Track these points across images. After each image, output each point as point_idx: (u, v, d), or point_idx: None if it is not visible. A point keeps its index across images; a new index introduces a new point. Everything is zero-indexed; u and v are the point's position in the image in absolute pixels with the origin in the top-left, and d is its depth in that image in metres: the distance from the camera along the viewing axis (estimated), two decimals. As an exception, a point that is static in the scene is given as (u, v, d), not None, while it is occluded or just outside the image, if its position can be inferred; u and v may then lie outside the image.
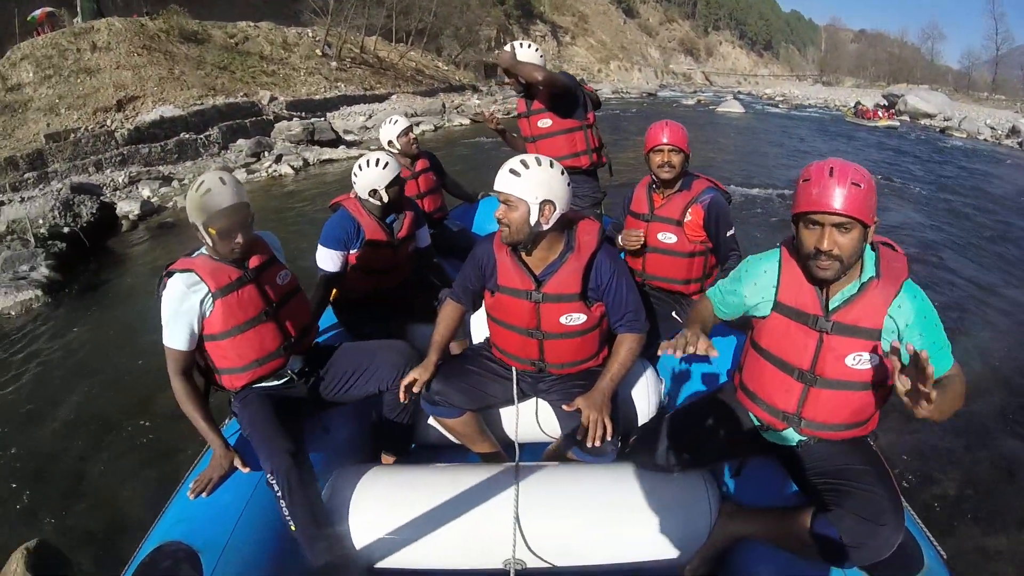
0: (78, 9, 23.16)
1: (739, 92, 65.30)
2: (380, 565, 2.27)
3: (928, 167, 17.56)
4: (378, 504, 2.30)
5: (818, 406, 1.96)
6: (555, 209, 2.19)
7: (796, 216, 1.81)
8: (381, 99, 28.07)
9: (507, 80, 3.88)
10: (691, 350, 1.90)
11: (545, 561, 2.18)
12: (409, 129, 4.35)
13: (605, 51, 79.05)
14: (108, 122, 17.45)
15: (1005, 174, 17.64)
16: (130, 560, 1.95)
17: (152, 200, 11.49)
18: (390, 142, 4.34)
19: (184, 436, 3.87)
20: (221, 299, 2.26)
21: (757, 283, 2.06)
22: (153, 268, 8.03)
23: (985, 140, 29.22)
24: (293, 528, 2.12)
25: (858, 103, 39.18)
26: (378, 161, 3.15)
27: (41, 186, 14.18)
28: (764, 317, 2.05)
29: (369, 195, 3.18)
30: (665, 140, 2.92)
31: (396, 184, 3.20)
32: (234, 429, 2.45)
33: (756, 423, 2.19)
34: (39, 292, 6.91)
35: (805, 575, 1.94)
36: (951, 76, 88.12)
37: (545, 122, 3.92)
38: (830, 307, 1.89)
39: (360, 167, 3.18)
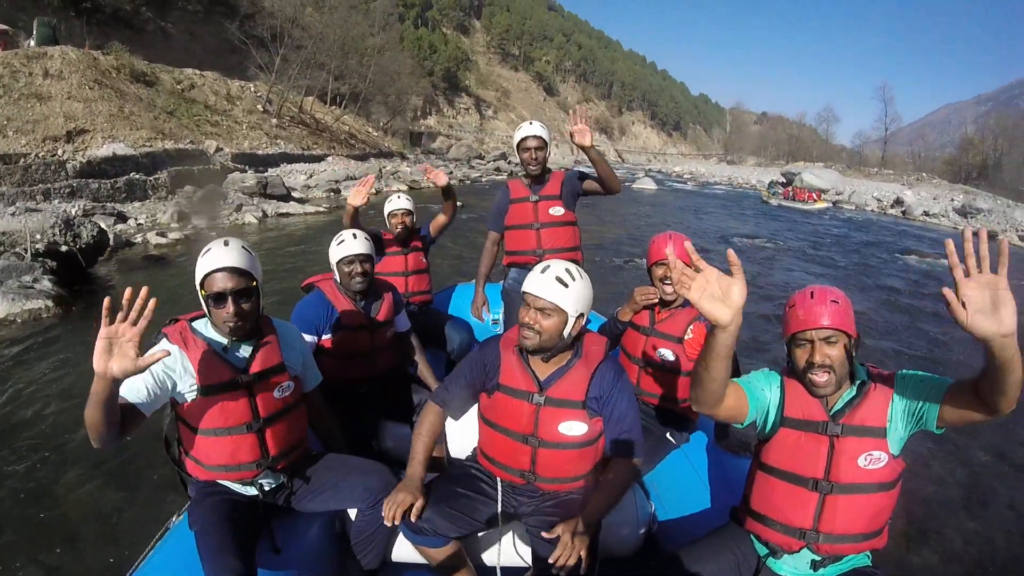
0: (33, 32, 23.21)
1: (650, 169, 68.95)
2: None
3: (819, 237, 21.08)
4: None
5: (836, 516, 1.96)
6: (584, 322, 2.23)
7: (788, 339, 1.98)
8: (318, 159, 29.04)
9: (530, 163, 3.74)
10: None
11: None
12: (402, 213, 4.21)
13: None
14: (59, 152, 17.66)
15: (882, 239, 21.52)
16: None
17: (119, 234, 12.02)
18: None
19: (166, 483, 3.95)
20: (205, 397, 2.11)
21: (767, 389, 2.09)
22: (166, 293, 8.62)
23: (872, 211, 33.47)
24: None
25: (773, 182, 41.58)
26: (340, 237, 3.10)
27: (-15, 208, 14.35)
28: (771, 435, 2.07)
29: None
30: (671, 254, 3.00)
31: (351, 264, 3.06)
32: (186, 520, 2.22)
33: (762, 553, 2.14)
34: (49, 303, 7.30)
35: None
36: (846, 154, 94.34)
37: (557, 210, 3.81)
38: (833, 411, 1.97)
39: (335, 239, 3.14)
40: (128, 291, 1.62)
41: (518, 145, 3.77)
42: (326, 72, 37.04)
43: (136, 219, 14.37)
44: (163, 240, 12.12)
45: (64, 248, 8.66)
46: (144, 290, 1.65)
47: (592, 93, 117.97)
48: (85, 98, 20.37)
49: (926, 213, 32.67)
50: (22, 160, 16.32)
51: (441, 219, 4.48)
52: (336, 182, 23.55)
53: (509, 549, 2.54)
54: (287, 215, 16.22)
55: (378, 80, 44.32)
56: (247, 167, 21.77)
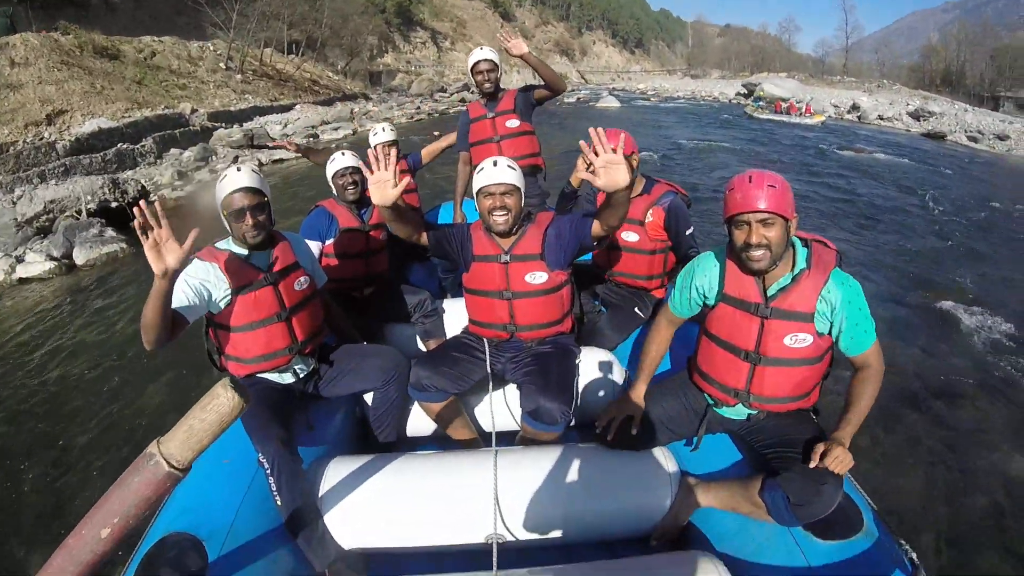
0: None
1: (614, 88, 69.39)
2: (372, 546, 2.37)
3: (768, 141, 22.90)
4: (369, 491, 2.40)
5: (764, 382, 2.18)
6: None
7: (727, 220, 2.07)
8: (287, 109, 29.29)
9: (483, 83, 4.12)
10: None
11: (523, 535, 2.32)
12: (386, 144, 4.38)
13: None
14: (46, 135, 18.16)
15: (828, 138, 23.66)
16: (133, 552, 1.98)
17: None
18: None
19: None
20: (239, 296, 2.43)
21: (707, 275, 2.28)
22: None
23: (830, 116, 34.20)
24: (279, 504, 2.23)
25: (758, 96, 41.30)
26: (332, 156, 3.62)
27: (-9, 196, 15.00)
28: (713, 307, 2.27)
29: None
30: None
31: (343, 177, 3.54)
32: None
33: (710, 402, 2.39)
34: (123, 246, 8.55)
35: (758, 535, 2.13)
36: (811, 63, 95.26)
37: (513, 122, 4.17)
38: (768, 295, 2.10)
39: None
40: (137, 209, 1.92)
41: (472, 69, 4.13)
42: (281, 21, 36.66)
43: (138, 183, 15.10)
44: (180, 194, 13.13)
45: (115, 204, 9.73)
46: (143, 203, 1.94)
47: (550, 15, 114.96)
48: (56, 80, 20.55)
49: (880, 117, 33.89)
50: (11, 148, 16.83)
51: (436, 145, 4.88)
52: (312, 127, 24.00)
53: (501, 414, 2.97)
54: (280, 161, 16.97)
55: (332, 23, 43.70)
56: (223, 124, 22.15)
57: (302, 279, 2.67)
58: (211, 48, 32.05)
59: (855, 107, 36.46)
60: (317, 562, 2.26)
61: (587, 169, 2.16)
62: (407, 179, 2.34)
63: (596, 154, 2.10)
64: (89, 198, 9.57)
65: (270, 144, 18.73)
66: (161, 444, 1.45)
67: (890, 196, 13.33)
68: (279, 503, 2.23)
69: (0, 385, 5.21)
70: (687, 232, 3.16)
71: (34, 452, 4.26)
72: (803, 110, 33.15)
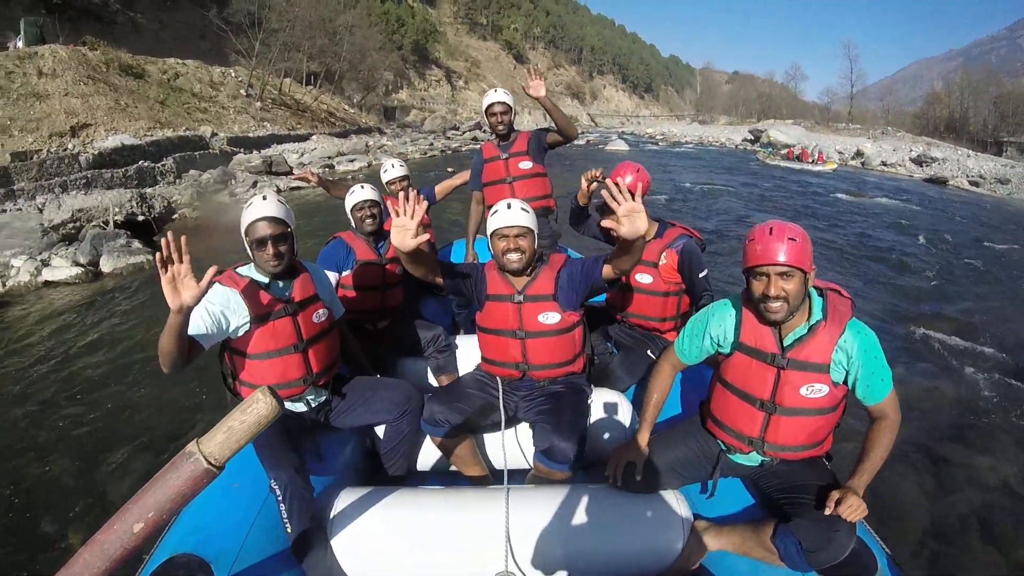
0: (21, 32, 23.50)
1: (623, 132, 70.09)
2: None
3: (779, 187, 23.15)
4: (379, 523, 2.39)
5: (779, 431, 2.17)
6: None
7: (746, 270, 2.08)
8: (304, 138, 29.74)
9: (497, 125, 4.15)
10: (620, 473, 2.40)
11: (534, 574, 2.29)
12: (398, 180, 4.45)
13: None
14: (70, 146, 18.42)
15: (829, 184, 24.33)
16: (139, 570, 1.99)
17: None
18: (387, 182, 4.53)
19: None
20: (257, 325, 2.41)
21: (723, 324, 2.28)
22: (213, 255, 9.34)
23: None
24: (289, 531, 2.24)
25: (768, 143, 41.79)
26: (352, 189, 3.61)
27: (8, 203, 15.18)
28: (728, 355, 2.27)
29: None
30: None
31: (361, 210, 3.55)
32: None
33: (723, 448, 2.38)
34: (150, 257, 8.71)
35: None
36: (816, 110, 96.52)
37: (526, 164, 4.20)
38: (784, 345, 2.10)
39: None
40: (163, 241, 1.90)
41: (486, 110, 4.17)
42: (301, 53, 37.38)
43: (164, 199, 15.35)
44: (199, 214, 13.36)
45: (141, 218, 9.98)
46: (170, 234, 1.92)
47: (562, 59, 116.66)
48: (82, 94, 20.90)
49: (883, 163, 34.49)
50: (35, 156, 17.08)
51: (450, 183, 4.86)
52: (329, 158, 24.40)
53: (513, 452, 2.95)
54: (298, 188, 17.22)
55: (351, 57, 44.47)
56: (241, 149, 22.55)
57: (320, 311, 2.66)
58: (232, 74, 32.76)
59: (859, 153, 37.01)
60: None
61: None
62: (428, 235, 2.22)
63: (618, 203, 2.06)
64: (117, 210, 9.83)
65: (289, 173, 19.04)
66: (201, 443, 1.54)
67: (894, 240, 13.71)
68: (289, 530, 2.24)
69: (23, 382, 5.35)
70: (701, 275, 3.14)
71: (52, 449, 4.35)
72: (816, 157, 33.11)
